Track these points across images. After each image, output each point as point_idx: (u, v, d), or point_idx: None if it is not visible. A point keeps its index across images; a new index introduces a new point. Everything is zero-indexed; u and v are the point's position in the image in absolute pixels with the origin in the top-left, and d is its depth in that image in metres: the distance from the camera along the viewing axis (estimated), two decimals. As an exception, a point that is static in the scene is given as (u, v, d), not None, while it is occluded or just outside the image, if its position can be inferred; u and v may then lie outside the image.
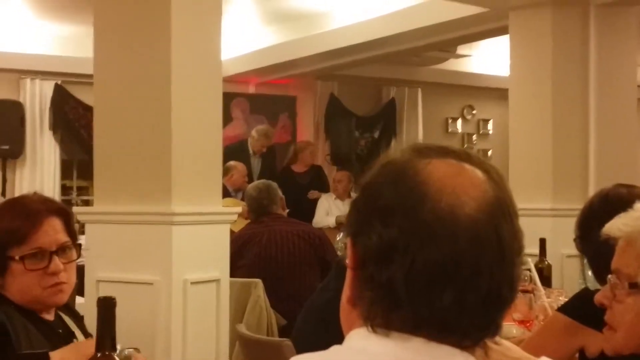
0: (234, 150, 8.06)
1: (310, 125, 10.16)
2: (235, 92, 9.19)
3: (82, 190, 9.50)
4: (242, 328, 3.28)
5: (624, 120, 5.96)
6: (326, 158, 9.99)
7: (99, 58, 4.19)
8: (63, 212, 2.23)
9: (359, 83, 10.27)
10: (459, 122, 11.15)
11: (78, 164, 9.36)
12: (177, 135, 3.93)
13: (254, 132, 8.67)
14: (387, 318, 0.98)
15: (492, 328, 1.01)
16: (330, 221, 7.80)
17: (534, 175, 5.70)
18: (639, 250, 1.49)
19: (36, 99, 8.78)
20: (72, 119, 8.96)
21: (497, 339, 1.17)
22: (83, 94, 8.77)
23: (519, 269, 1.01)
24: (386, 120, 10.48)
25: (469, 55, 9.71)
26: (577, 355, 2.27)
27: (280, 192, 5.21)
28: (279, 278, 4.77)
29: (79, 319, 2.35)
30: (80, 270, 4.28)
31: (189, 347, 3.86)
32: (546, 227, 5.06)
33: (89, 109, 8.65)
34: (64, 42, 8.59)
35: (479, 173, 1.01)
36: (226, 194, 6.81)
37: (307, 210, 7.97)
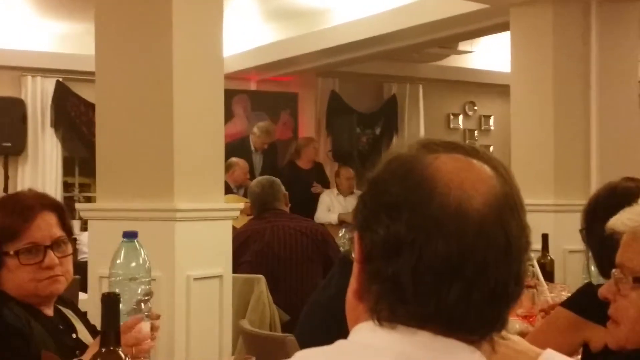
0: (235, 147, 8.07)
1: (312, 122, 10.17)
2: (236, 89, 9.19)
3: (84, 187, 9.50)
4: (245, 324, 3.28)
5: (625, 116, 5.96)
6: (328, 154, 10.00)
7: (101, 55, 4.19)
8: (57, 206, 2.25)
9: (360, 80, 10.27)
10: (461, 118, 11.15)
11: (80, 161, 9.37)
12: (179, 131, 3.93)
13: (255, 129, 8.68)
14: (394, 312, 0.99)
15: (498, 323, 1.01)
16: (333, 218, 7.82)
17: (536, 171, 5.70)
18: None
19: (37, 96, 8.79)
20: (73, 116, 8.97)
21: (504, 333, 1.17)
22: (84, 91, 8.77)
23: (526, 264, 1.01)
24: (387, 116, 10.48)
25: (470, 52, 9.70)
26: (580, 349, 2.28)
27: (283, 188, 5.21)
28: (282, 274, 4.78)
29: (80, 314, 2.35)
30: (84, 267, 4.29)
31: (192, 343, 3.87)
32: (548, 222, 5.06)
33: (90, 106, 8.67)
34: (65, 39, 8.59)
35: (486, 168, 1.01)
36: (228, 190, 6.81)
37: (311, 205, 7.99)
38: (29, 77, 8.76)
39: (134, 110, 4.03)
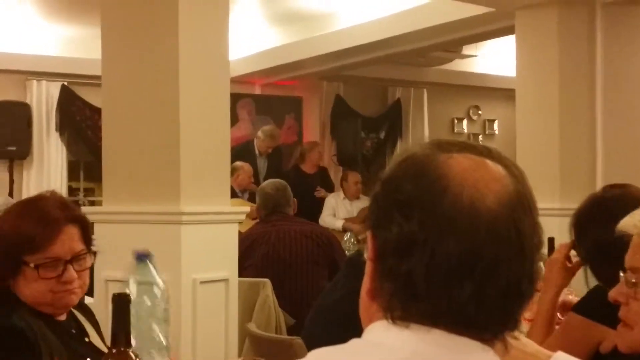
0: (240, 151, 8.07)
1: (316, 125, 10.17)
2: (241, 93, 9.20)
3: (88, 192, 9.52)
4: (252, 327, 3.28)
5: (631, 120, 5.96)
6: (332, 159, 10.00)
7: (107, 59, 4.21)
8: (81, 219, 2.20)
9: (365, 84, 10.28)
10: (465, 122, 11.15)
11: (85, 165, 9.38)
12: (185, 135, 3.94)
13: (259, 133, 8.68)
14: (407, 310, 0.99)
15: (511, 322, 1.01)
16: (337, 225, 7.80)
17: (542, 175, 5.70)
18: None
19: (43, 100, 8.81)
20: (78, 120, 8.99)
21: (516, 333, 1.17)
22: (90, 95, 8.80)
23: (538, 263, 1.01)
24: (392, 120, 10.49)
25: (475, 56, 9.70)
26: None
27: (292, 195, 5.23)
28: (287, 278, 4.78)
29: (91, 316, 2.35)
30: (90, 270, 4.30)
31: (199, 346, 3.87)
32: (554, 226, 5.01)
33: (95, 110, 8.69)
34: (70, 43, 8.61)
35: (499, 168, 1.02)
36: (232, 194, 6.82)
37: (316, 209, 7.99)
38: (34, 81, 8.78)
39: (140, 113, 4.04)
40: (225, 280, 4.02)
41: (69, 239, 2.13)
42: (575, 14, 5.70)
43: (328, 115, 10.17)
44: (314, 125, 10.16)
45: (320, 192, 8.39)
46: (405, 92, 10.55)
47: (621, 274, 1.58)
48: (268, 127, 8.86)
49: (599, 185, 5.62)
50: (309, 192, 8.12)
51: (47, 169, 8.80)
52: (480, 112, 11.23)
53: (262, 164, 8.66)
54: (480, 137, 11.22)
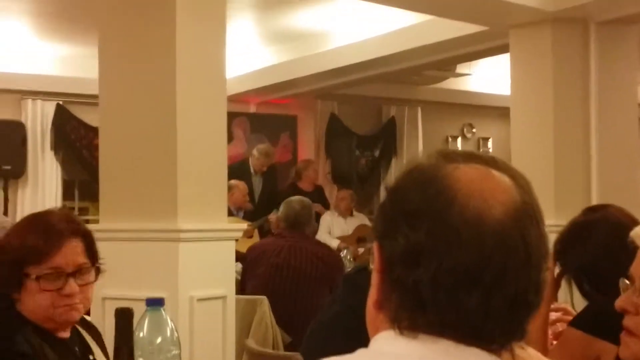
0: (235, 170, 8.07)
1: (311, 144, 10.20)
2: (236, 112, 9.22)
3: (83, 211, 9.49)
4: (251, 343, 3.28)
5: (625, 138, 5.99)
6: (327, 177, 10.02)
7: (104, 77, 4.22)
8: (85, 233, 2.20)
9: (359, 102, 10.31)
10: (459, 140, 11.18)
11: (79, 184, 9.37)
12: (183, 152, 3.95)
13: (254, 151, 8.70)
14: (414, 320, 0.99)
15: (518, 332, 1.01)
16: (333, 244, 7.81)
17: (537, 192, 5.70)
18: None
19: (38, 119, 8.81)
20: (73, 139, 8.99)
21: (523, 344, 1.18)
22: (85, 114, 8.81)
23: (545, 273, 1.02)
24: (386, 139, 10.52)
25: (468, 74, 9.75)
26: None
27: (314, 217, 5.33)
28: (292, 294, 4.79)
29: (97, 334, 2.34)
30: (92, 286, 4.29)
31: (196, 364, 3.87)
32: (550, 243, 5.07)
33: (90, 129, 8.71)
34: (65, 62, 8.63)
35: (505, 178, 1.02)
36: (228, 212, 6.83)
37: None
38: (29, 100, 8.78)
39: (138, 131, 4.06)
40: (223, 298, 4.02)
41: (72, 252, 2.13)
42: (568, 33, 5.74)
43: (323, 133, 10.20)
44: (308, 144, 10.19)
45: (317, 206, 8.40)
46: (400, 110, 10.59)
47: (625, 282, 1.59)
48: (263, 145, 8.88)
49: (594, 202, 5.65)
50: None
51: (42, 188, 8.79)
52: (474, 130, 11.27)
53: (257, 182, 8.67)
54: (474, 155, 11.24)
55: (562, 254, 2.49)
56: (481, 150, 11.34)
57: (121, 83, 4.14)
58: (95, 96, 4.30)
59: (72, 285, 2.11)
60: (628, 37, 5.96)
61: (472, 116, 11.08)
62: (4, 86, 8.48)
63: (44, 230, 2.14)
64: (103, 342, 2.34)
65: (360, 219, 8.41)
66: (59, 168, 8.95)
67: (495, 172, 1.02)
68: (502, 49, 6.52)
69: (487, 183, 1.00)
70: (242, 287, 4.98)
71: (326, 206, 8.66)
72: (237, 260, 4.52)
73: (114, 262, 3.95)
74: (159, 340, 1.83)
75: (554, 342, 2.49)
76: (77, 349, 2.21)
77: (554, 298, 2.63)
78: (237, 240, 4.41)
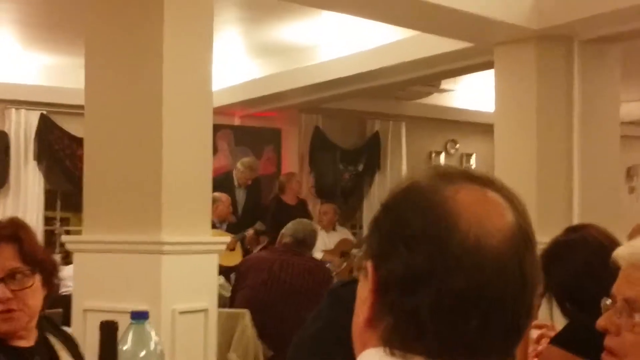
0: (219, 182, 8.05)
1: (295, 157, 10.20)
2: (220, 124, 9.21)
3: (64, 221, 9.45)
4: (233, 357, 3.28)
5: (607, 155, 6.04)
6: (310, 190, 10.02)
7: (90, 88, 4.22)
8: (16, 237, 2.15)
9: (344, 116, 10.33)
10: (443, 156, 11.22)
11: (62, 194, 9.33)
12: (168, 164, 3.95)
13: (239, 165, 8.70)
14: (408, 344, 0.99)
15: (508, 355, 1.02)
16: (317, 256, 7.82)
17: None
18: None
19: (21, 128, 8.77)
20: (57, 149, 8.95)
21: None
22: (69, 125, 8.78)
23: (536, 297, 1.03)
24: (370, 153, 10.53)
25: (453, 90, 9.80)
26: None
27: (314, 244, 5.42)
28: (280, 305, 4.80)
29: (73, 346, 2.32)
30: (66, 301, 4.27)
31: (177, 377, 3.85)
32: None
33: (74, 140, 8.68)
34: (50, 72, 8.61)
35: (502, 201, 1.02)
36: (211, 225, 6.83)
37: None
38: (13, 110, 8.74)
39: (123, 143, 4.05)
40: (205, 311, 4.01)
41: (2, 257, 2.09)
42: (553, 51, 5.79)
43: (307, 147, 10.20)
44: (292, 157, 10.19)
45: None
46: (384, 125, 10.61)
47: (607, 301, 1.60)
48: (247, 159, 8.88)
49: (576, 220, 5.68)
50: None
51: (24, 198, 8.74)
52: (457, 145, 11.31)
53: (241, 195, 8.67)
54: (457, 171, 11.28)
55: (544, 272, 2.51)
56: (464, 166, 11.38)
57: (107, 94, 4.14)
58: (79, 106, 4.30)
59: (2, 290, 2.07)
60: (611, 55, 6.01)
61: (455, 132, 11.12)
62: (-12, 95, 8.45)
63: None
64: (79, 353, 2.32)
65: (343, 233, 8.42)
66: (42, 178, 8.91)
67: (492, 195, 1.03)
68: (486, 66, 6.55)
69: (485, 209, 1.00)
70: (231, 300, 4.98)
71: (309, 220, 8.66)
72: (221, 273, 4.52)
73: (96, 273, 3.99)
74: (142, 353, 1.80)
75: (535, 360, 2.50)
76: (38, 358, 2.17)
77: (535, 316, 2.65)
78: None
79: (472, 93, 10.02)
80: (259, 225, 8.24)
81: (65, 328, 4.31)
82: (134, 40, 4.07)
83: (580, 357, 2.24)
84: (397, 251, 0.99)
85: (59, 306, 4.71)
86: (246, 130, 9.83)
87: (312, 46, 7.96)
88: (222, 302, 4.93)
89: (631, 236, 4.36)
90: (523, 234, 1.01)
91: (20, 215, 8.35)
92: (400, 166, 10.63)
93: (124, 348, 1.77)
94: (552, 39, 5.75)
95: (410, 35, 6.59)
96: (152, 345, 1.83)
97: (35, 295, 2.15)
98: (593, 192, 5.82)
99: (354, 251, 2.66)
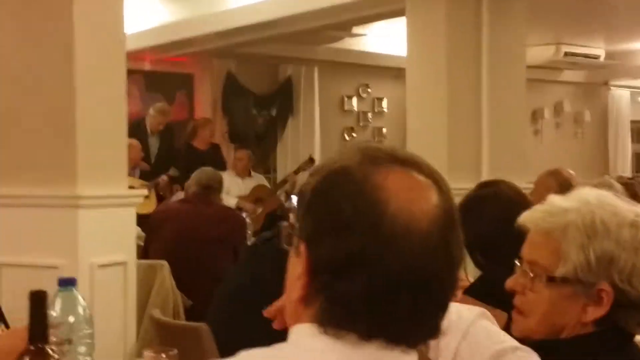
0: (131, 129, 7.89)
1: (208, 103, 10.14)
2: (131, 69, 9.00)
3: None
4: (156, 313, 3.31)
5: (514, 100, 6.19)
6: (224, 136, 9.99)
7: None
8: None
9: (256, 61, 10.29)
10: (355, 100, 11.30)
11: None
12: (82, 115, 3.90)
13: (150, 110, 8.64)
14: (341, 324, 1.03)
15: (437, 331, 1.08)
16: (231, 203, 7.83)
17: (429, 157, 5.84)
18: (556, 245, 1.60)
19: None
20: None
21: None
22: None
23: (460, 272, 1.10)
24: (283, 98, 10.55)
25: (364, 35, 9.84)
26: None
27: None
28: (195, 256, 4.84)
29: None
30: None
31: (97, 330, 3.84)
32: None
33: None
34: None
35: (428, 183, 1.08)
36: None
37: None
38: None
39: (35, 93, 3.97)
40: (124, 264, 4.02)
41: None
42: (462, 2, 5.88)
43: (219, 92, 10.14)
44: (205, 102, 10.12)
45: None
46: (297, 69, 10.61)
47: (517, 263, 1.70)
48: (159, 104, 8.82)
49: (485, 166, 5.86)
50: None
51: None
52: (369, 89, 11.40)
53: (153, 142, 8.61)
54: (369, 115, 11.40)
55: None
56: (376, 110, 11.49)
57: (16, 41, 4.03)
58: None
59: None
60: (518, 7, 6.15)
61: (367, 76, 11.19)
62: None
63: None
64: (3, 315, 2.33)
65: (258, 179, 8.45)
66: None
67: (418, 178, 1.08)
68: (397, 13, 6.60)
69: (413, 193, 1.06)
70: (145, 251, 4.99)
71: (222, 165, 8.65)
72: (138, 224, 4.52)
73: (12, 228, 3.94)
74: (71, 320, 1.84)
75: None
76: None
77: None
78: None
79: (384, 37, 10.08)
80: (172, 172, 8.20)
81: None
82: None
83: (491, 307, 2.36)
84: (330, 236, 1.04)
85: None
86: (157, 75, 9.70)
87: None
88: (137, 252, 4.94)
89: (536, 184, 4.54)
90: (448, 215, 1.07)
91: None
92: (313, 110, 10.69)
93: (54, 315, 1.80)
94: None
95: (323, -19, 6.59)
96: (81, 311, 1.87)
97: None
98: (501, 138, 5.99)
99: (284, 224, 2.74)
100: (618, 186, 4.33)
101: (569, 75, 12.36)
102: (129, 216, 4.11)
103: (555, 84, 12.50)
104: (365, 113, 11.37)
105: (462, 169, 5.83)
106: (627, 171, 12.66)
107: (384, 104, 11.50)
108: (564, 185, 4.03)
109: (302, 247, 1.08)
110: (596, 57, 10.98)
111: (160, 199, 7.89)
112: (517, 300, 1.69)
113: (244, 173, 8.31)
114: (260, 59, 10.19)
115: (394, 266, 1.02)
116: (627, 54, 11.33)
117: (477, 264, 2.64)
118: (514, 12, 6.14)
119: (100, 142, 3.98)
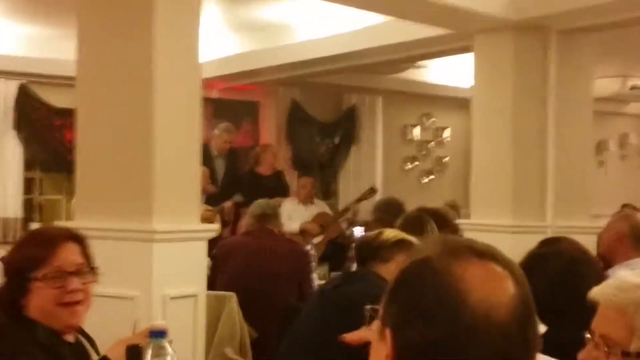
0: (198, 154, 8.11)
1: (273, 130, 10.28)
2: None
3: (41, 189, 9.48)
4: (230, 352, 3.43)
5: (580, 138, 6.21)
6: (287, 163, 10.12)
7: (82, 64, 4.27)
8: (78, 237, 2.41)
9: (321, 90, 10.41)
10: (417, 129, 11.37)
11: (40, 163, 9.34)
12: (159, 149, 4.04)
13: (215, 131, 8.72)
14: None
15: None
16: (294, 227, 7.95)
17: (495, 192, 5.93)
18: (629, 321, 1.67)
19: (0, 98, 8.77)
20: (34, 119, 8.97)
21: None
22: (47, 95, 8.80)
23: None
24: (347, 126, 10.65)
25: (425, 67, 9.92)
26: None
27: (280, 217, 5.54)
28: (260, 290, 4.94)
29: (92, 342, 2.50)
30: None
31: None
32: (507, 242, 5.27)
33: (52, 110, 8.73)
34: (29, 42, 8.59)
35: (504, 274, 1.16)
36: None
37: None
38: (-7, 79, 8.73)
39: (116, 131, 4.13)
40: (195, 296, 4.15)
41: (69, 253, 2.34)
42: (530, 39, 5.93)
43: (284, 120, 10.29)
44: (270, 130, 10.28)
45: (276, 200, 8.49)
46: (360, 98, 10.72)
47: (587, 336, 1.77)
48: (223, 123, 8.92)
49: (549, 203, 5.88)
50: (264, 193, 8.22)
51: (3, 167, 8.77)
52: (432, 119, 11.46)
53: (219, 165, 8.70)
54: (432, 144, 11.46)
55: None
56: (438, 139, 11.53)
57: (96, 72, 4.19)
58: (59, 77, 4.31)
59: (74, 280, 2.30)
60: (586, 44, 6.17)
61: (430, 106, 11.27)
62: (-33, 65, 8.44)
63: (40, 239, 2.38)
64: (97, 349, 2.50)
65: (320, 207, 8.55)
66: (21, 147, 8.92)
67: (495, 269, 1.16)
68: (464, 50, 6.67)
69: (492, 285, 1.14)
70: (211, 283, 5.11)
71: (286, 191, 8.77)
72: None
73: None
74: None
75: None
76: (80, 352, 2.37)
77: None
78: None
79: (447, 68, 10.14)
80: (236, 198, 8.33)
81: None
82: (124, 13, 4.11)
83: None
84: (414, 323, 1.13)
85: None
86: (224, 103, 9.88)
87: (292, 25, 8.02)
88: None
89: (608, 228, 4.49)
90: (525, 304, 1.16)
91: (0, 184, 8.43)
92: (375, 139, 10.78)
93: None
94: (529, 27, 5.88)
95: (391, 18, 6.67)
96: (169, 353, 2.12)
97: (91, 289, 2.41)
98: (567, 177, 6.00)
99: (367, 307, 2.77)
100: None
101: (634, 107, 12.27)
102: (201, 250, 4.24)
103: (621, 116, 12.42)
104: (427, 142, 11.43)
105: (526, 203, 5.87)
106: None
107: (446, 133, 11.54)
108: (636, 230, 4.03)
109: (387, 333, 1.16)
110: (662, 90, 10.90)
111: (224, 224, 8.02)
112: None
113: (307, 200, 8.40)
114: (325, 88, 10.32)
115: (474, 355, 1.10)
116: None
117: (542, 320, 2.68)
118: (582, 47, 6.16)
119: (176, 175, 4.12)
